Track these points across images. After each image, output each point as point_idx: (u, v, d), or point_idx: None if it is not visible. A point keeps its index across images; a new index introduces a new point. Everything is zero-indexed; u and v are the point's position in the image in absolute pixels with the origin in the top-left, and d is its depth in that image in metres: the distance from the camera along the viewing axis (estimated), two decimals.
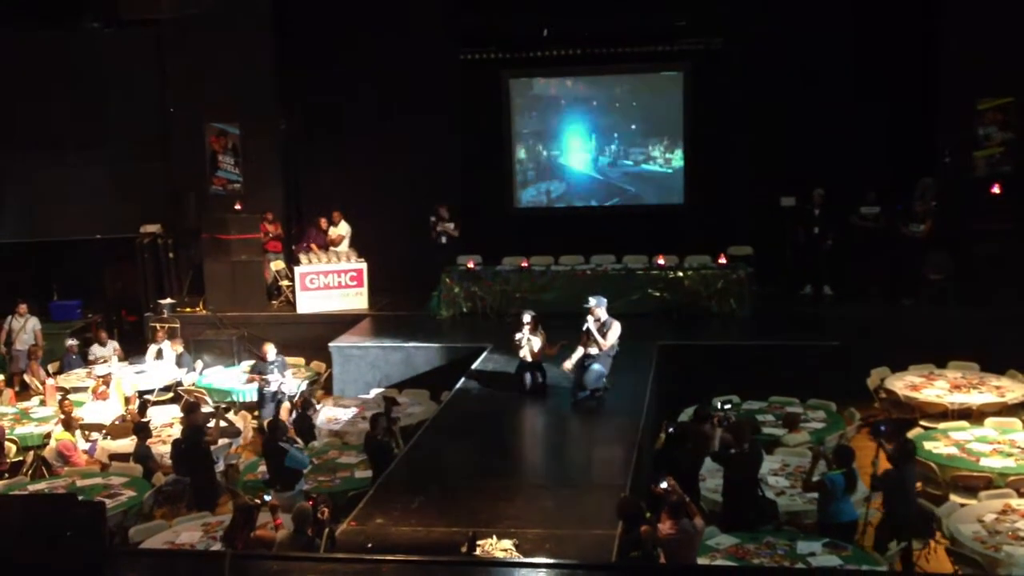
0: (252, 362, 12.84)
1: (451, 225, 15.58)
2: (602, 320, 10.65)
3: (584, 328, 10.66)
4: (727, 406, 9.59)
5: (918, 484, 9.73)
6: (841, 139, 14.95)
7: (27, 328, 14.70)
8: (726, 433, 8.81)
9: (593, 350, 10.65)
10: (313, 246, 15.83)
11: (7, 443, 11.14)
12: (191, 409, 10.95)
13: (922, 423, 10.97)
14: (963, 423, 10.57)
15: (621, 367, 11.23)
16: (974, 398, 11.23)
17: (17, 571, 5.33)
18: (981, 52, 14.07)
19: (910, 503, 8.38)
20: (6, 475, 10.57)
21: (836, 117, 15.04)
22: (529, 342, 11.10)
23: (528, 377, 11.18)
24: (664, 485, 7.29)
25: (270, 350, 12.11)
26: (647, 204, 16.73)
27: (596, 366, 10.62)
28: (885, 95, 14.94)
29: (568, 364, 10.81)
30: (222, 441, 10.81)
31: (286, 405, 11.82)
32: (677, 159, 16.63)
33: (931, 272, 14.02)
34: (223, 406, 12.34)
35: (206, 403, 12.38)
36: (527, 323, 11.15)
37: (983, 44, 14.07)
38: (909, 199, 14.31)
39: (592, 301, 10.71)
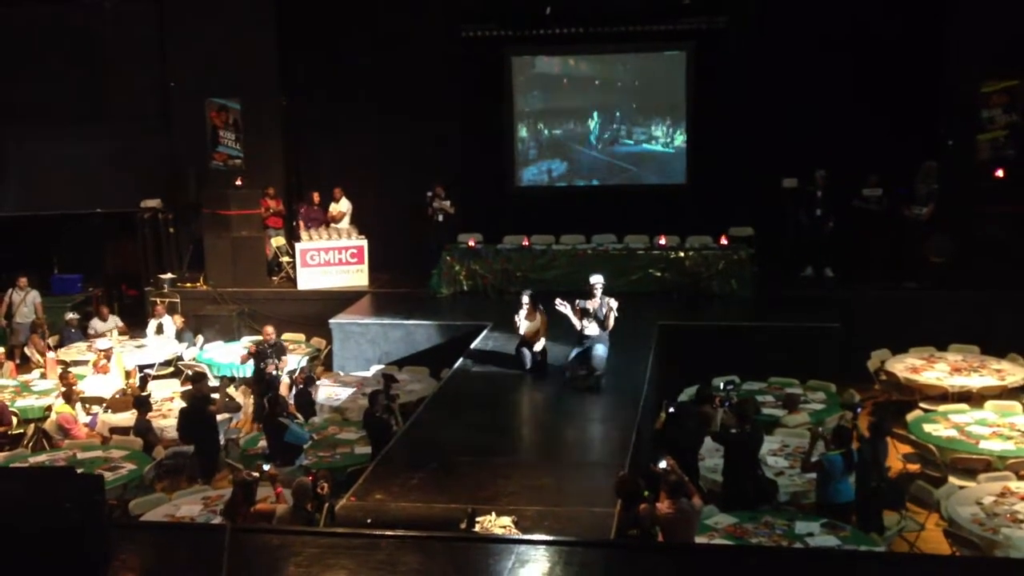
0: (254, 338, 12.81)
1: (447, 203, 15.53)
2: (601, 300, 10.64)
3: (584, 306, 10.63)
4: (729, 387, 9.62)
5: (916, 466, 9.83)
6: (844, 121, 14.86)
7: (27, 301, 14.68)
8: (728, 413, 8.82)
9: (592, 330, 10.62)
10: (300, 223, 15.81)
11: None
12: (198, 378, 11.00)
13: (922, 405, 10.96)
14: (963, 406, 10.58)
15: (621, 347, 11.24)
16: (974, 381, 11.22)
17: (17, 543, 5.34)
18: (986, 34, 14.00)
19: (882, 477, 8.41)
20: (7, 447, 10.58)
21: (839, 98, 14.96)
22: (526, 325, 11.10)
23: (527, 356, 11.17)
24: (663, 465, 7.31)
25: (270, 332, 12.08)
26: (649, 184, 16.70)
27: (600, 348, 10.60)
28: (889, 77, 14.86)
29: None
30: (221, 417, 10.82)
31: (285, 381, 11.82)
32: (679, 139, 16.57)
33: (933, 255, 13.98)
34: (225, 379, 12.32)
35: (208, 377, 12.38)
36: (525, 303, 11.14)
37: (988, 26, 13.99)
38: (912, 182, 14.27)
39: (597, 280, 10.70)
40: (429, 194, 15.49)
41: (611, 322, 10.60)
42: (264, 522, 7.43)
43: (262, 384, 11.56)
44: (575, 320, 10.69)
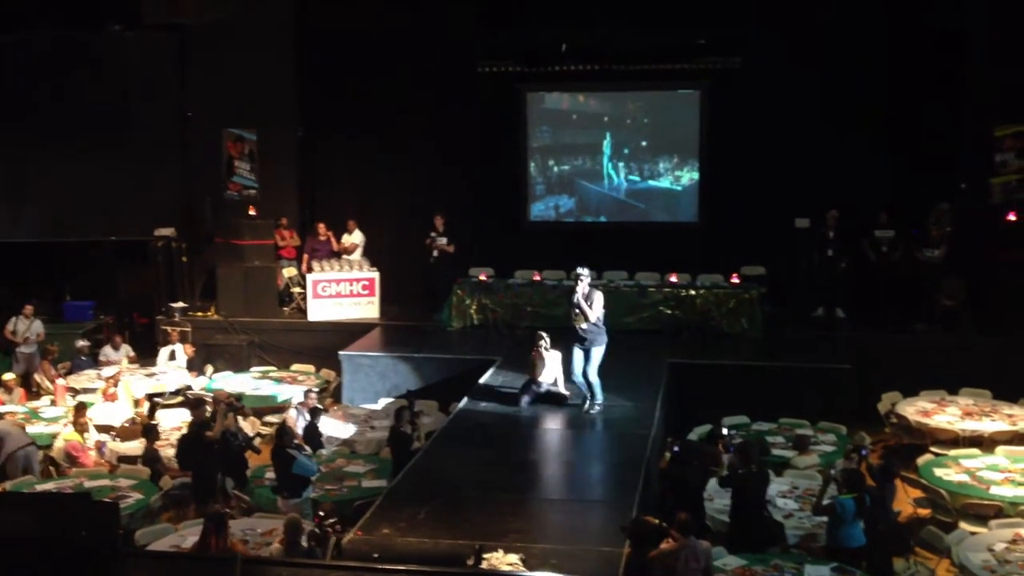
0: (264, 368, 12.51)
1: (444, 240, 15.41)
2: (586, 292, 10.60)
3: (572, 299, 10.64)
4: (732, 431, 9.59)
5: (927, 510, 9.74)
6: (857, 162, 14.91)
7: (32, 330, 14.66)
8: (733, 457, 8.77)
9: (583, 325, 10.61)
10: (305, 256, 15.83)
11: None
12: (196, 405, 10.98)
13: (932, 449, 10.89)
14: (974, 450, 10.50)
15: (630, 383, 11.23)
16: (986, 426, 11.15)
17: (33, 569, 5.33)
18: (1000, 78, 14.02)
19: (888, 521, 8.37)
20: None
21: (853, 140, 15.00)
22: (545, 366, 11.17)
23: (527, 397, 11.20)
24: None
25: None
26: (660, 221, 16.71)
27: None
28: (903, 119, 14.87)
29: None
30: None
31: (292, 413, 11.77)
32: (687, 177, 16.60)
33: (945, 298, 13.96)
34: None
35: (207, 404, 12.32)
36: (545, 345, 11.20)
37: (1002, 70, 14.02)
38: (925, 224, 14.27)
39: (583, 271, 10.64)
40: (432, 235, 15.37)
41: (593, 312, 10.50)
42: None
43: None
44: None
